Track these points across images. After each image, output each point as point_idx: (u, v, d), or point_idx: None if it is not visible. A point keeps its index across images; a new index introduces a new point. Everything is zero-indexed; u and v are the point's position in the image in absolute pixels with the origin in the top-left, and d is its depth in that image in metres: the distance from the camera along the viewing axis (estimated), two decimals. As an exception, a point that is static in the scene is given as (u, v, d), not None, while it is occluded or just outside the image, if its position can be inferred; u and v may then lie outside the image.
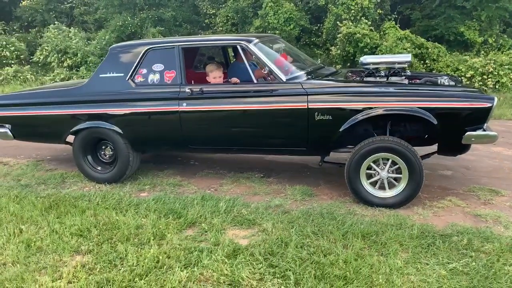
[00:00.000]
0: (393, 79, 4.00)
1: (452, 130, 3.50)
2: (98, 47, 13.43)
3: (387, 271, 2.68)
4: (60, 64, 13.26)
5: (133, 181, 4.52)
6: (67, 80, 12.02)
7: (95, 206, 3.79)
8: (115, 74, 4.30)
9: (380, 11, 11.12)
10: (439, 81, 3.91)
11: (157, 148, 4.71)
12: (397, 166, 3.58)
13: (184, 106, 4.04)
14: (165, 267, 2.81)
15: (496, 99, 3.50)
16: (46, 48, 13.47)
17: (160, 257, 2.90)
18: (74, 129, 4.39)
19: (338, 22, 10.65)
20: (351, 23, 10.40)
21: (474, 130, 3.44)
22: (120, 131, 4.25)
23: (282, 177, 4.51)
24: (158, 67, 4.19)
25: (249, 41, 4.02)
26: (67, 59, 13.19)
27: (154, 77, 4.20)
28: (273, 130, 3.94)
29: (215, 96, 4.04)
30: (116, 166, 4.41)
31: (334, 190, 4.14)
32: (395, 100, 3.57)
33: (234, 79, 4.30)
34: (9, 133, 4.69)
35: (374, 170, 3.66)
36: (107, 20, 15.69)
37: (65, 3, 17.08)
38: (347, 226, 3.26)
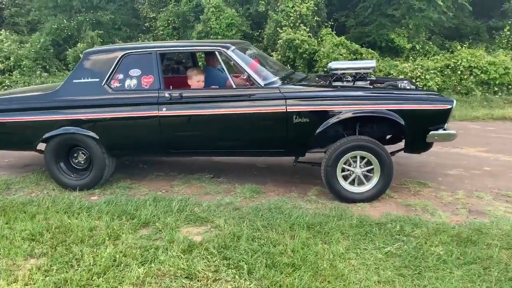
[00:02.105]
0: (359, 83, 4.31)
1: (417, 130, 3.86)
2: (33, 50, 12.89)
3: (330, 257, 2.95)
4: (-9, 68, 12.58)
5: (82, 185, 4.51)
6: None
7: (45, 210, 3.77)
8: (90, 80, 4.25)
9: (318, 19, 11.65)
10: (399, 85, 4.28)
11: (135, 153, 4.65)
12: (366, 161, 3.88)
13: (164, 111, 4.08)
14: (122, 265, 2.90)
15: (455, 101, 3.92)
16: (-26, 51, 12.73)
17: (117, 256, 2.98)
18: (47, 135, 4.28)
19: (278, 29, 11.04)
20: (290, 30, 10.82)
21: (437, 130, 3.83)
22: (96, 136, 4.21)
23: (232, 177, 4.71)
24: (135, 72, 4.20)
25: (227, 48, 4.14)
26: (-2, 63, 12.54)
27: (131, 82, 4.20)
28: (253, 134, 4.10)
29: (194, 101, 4.12)
30: (91, 172, 4.35)
31: (280, 187, 4.40)
32: (368, 103, 3.89)
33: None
34: None
35: (348, 168, 3.91)
36: (41, 22, 15.10)
37: (-7, 4, 16.25)
38: (294, 218, 3.52)
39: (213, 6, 11.86)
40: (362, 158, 3.89)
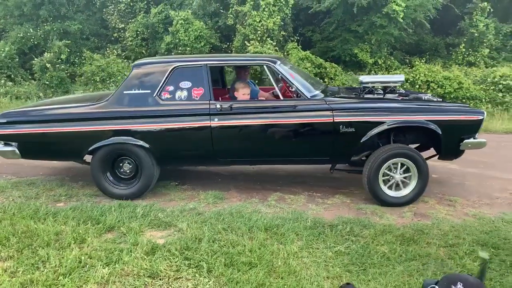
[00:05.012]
0: (389, 96, 4.59)
1: (453, 139, 4.20)
2: (-3, 59, 12.75)
3: (285, 256, 3.18)
4: (-47, 77, 12.35)
5: (48, 192, 4.61)
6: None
7: (11, 216, 3.85)
8: (141, 91, 4.37)
9: (284, 33, 12.04)
10: (423, 97, 4.60)
11: (183, 162, 4.78)
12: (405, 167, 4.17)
13: (216, 122, 4.25)
14: (87, 266, 3.04)
15: (485, 112, 4.31)
16: None
17: (82, 258, 3.12)
18: (97, 145, 4.33)
19: (246, 42, 11.35)
20: (258, 43, 11.15)
21: (469, 138, 4.18)
22: (146, 146, 4.31)
23: (196, 184, 4.90)
24: (186, 84, 4.35)
25: (275, 62, 4.40)
26: (-39, 72, 12.33)
27: (181, 94, 4.33)
28: (301, 143, 4.32)
29: (245, 111, 4.32)
30: (140, 181, 4.44)
31: (243, 193, 4.62)
32: (408, 114, 4.18)
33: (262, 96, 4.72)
34: (17, 151, 4.43)
35: (388, 174, 4.19)
36: (5, 31, 14.93)
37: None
38: (253, 221, 3.74)
39: (182, 19, 12.08)
40: (401, 165, 4.18)
